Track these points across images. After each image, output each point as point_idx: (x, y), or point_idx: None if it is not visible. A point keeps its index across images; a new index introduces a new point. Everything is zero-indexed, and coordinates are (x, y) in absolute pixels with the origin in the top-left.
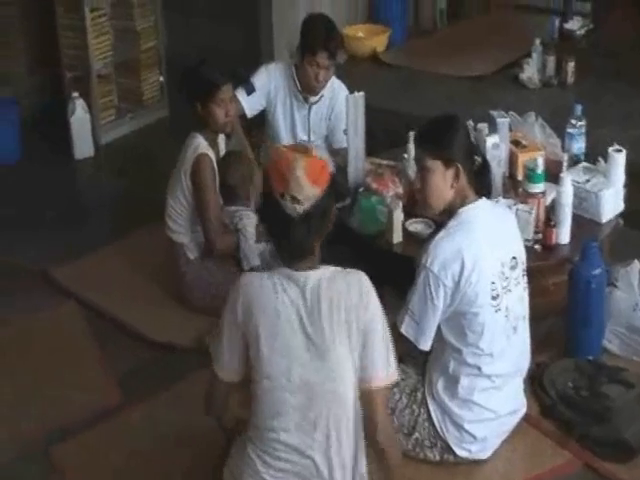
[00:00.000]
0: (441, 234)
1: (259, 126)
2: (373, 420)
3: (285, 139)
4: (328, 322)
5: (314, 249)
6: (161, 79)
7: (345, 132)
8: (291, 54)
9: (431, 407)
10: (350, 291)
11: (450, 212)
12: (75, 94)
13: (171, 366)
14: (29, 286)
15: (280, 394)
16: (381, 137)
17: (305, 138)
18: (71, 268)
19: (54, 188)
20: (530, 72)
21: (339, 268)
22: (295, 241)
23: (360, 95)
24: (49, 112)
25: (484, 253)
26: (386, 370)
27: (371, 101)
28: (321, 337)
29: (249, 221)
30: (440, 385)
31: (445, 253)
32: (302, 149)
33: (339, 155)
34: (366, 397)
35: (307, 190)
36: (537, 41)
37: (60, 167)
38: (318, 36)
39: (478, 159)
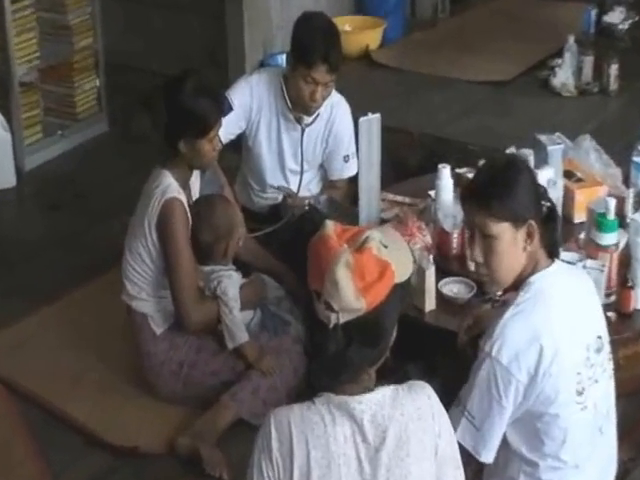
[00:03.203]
0: (510, 312)
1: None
2: None
3: (269, 170)
4: (395, 462)
5: (362, 372)
6: (98, 84)
7: (346, 159)
8: (266, 52)
9: None
10: (421, 417)
11: (517, 281)
12: None
13: (136, 477)
14: None
15: None
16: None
17: (295, 168)
18: None
19: None
20: (563, 76)
21: (397, 385)
22: (330, 357)
23: (375, 118)
24: None
25: (566, 335)
26: None
27: (361, 112)
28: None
29: (230, 283)
30: None
31: (518, 338)
32: (357, 234)
33: (337, 190)
34: None
35: (347, 300)
36: (570, 38)
37: None
38: (316, 45)
39: (546, 205)
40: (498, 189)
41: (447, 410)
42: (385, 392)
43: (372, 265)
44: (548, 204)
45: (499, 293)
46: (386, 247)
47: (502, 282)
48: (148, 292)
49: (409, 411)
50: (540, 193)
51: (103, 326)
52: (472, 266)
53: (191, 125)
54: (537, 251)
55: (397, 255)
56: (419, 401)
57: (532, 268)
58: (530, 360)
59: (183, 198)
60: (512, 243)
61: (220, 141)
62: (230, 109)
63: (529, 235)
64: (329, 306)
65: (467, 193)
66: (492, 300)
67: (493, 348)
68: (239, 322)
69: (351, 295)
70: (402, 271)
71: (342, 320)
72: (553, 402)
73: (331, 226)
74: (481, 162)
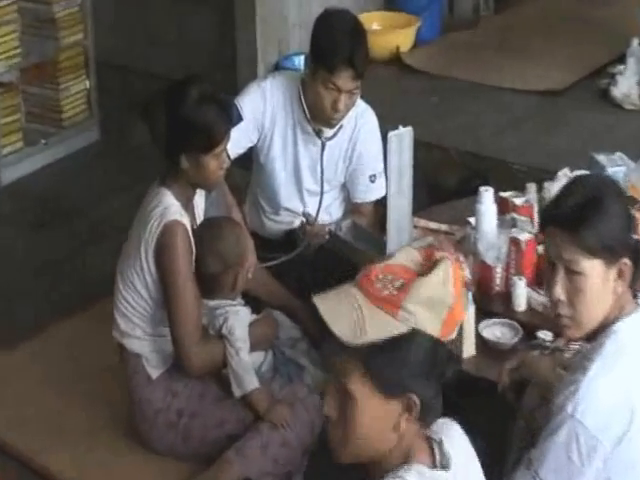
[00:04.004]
0: (595, 368)
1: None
2: None
3: (284, 190)
4: None
5: None
6: (88, 86)
7: (372, 179)
8: (281, 53)
9: None
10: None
11: (598, 329)
12: None
13: None
14: None
15: None
16: None
17: (314, 188)
18: None
19: None
20: (625, 85)
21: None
22: None
23: (407, 132)
24: None
25: None
26: None
27: (390, 125)
28: None
29: (238, 320)
30: None
31: (606, 399)
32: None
33: (362, 214)
34: None
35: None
36: (634, 41)
37: None
38: (339, 46)
39: (635, 239)
40: (592, 217)
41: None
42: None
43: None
44: (637, 237)
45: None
46: None
47: (585, 327)
48: (143, 329)
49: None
50: (631, 224)
51: (90, 367)
52: (548, 304)
53: (195, 138)
54: (625, 293)
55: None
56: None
57: (617, 313)
58: (620, 424)
59: (185, 221)
60: (602, 283)
61: (228, 156)
62: (240, 119)
63: (620, 274)
64: None
65: (552, 218)
66: (541, 346)
67: (577, 410)
68: (248, 366)
69: None
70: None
71: None
72: (631, 470)
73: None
74: (530, 185)
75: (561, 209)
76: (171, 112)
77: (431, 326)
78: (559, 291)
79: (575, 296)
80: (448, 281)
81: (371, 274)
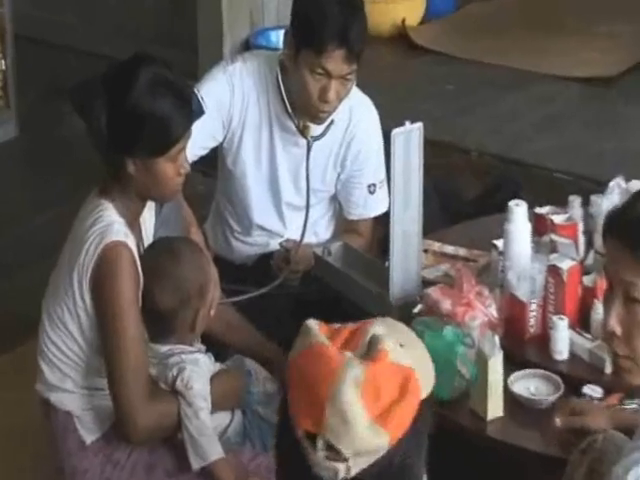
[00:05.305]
0: None
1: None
2: None
3: (257, 204)
4: None
5: None
6: (4, 67)
7: (371, 190)
8: (253, 27)
9: None
10: None
11: None
12: None
13: None
14: None
15: None
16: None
17: (297, 201)
18: None
19: None
20: None
21: None
22: None
23: (415, 129)
24: None
25: None
26: None
27: (394, 121)
28: None
29: (197, 372)
30: None
31: None
32: (356, 334)
33: (357, 235)
34: None
35: (362, 437)
36: None
37: None
38: (329, 19)
39: None
40: None
41: None
42: None
43: (389, 377)
44: None
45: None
46: (402, 346)
47: None
48: (75, 381)
49: None
50: None
51: (5, 429)
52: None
53: (145, 137)
54: None
55: (417, 357)
56: None
57: None
58: None
59: (131, 243)
60: None
61: (186, 160)
62: (201, 112)
63: None
64: (334, 453)
65: (614, 226)
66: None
67: None
68: (209, 430)
69: (366, 428)
70: (426, 381)
71: (354, 471)
72: None
73: (315, 327)
74: (574, 198)
75: (626, 218)
76: (114, 102)
77: None
78: (614, 323)
79: (635, 330)
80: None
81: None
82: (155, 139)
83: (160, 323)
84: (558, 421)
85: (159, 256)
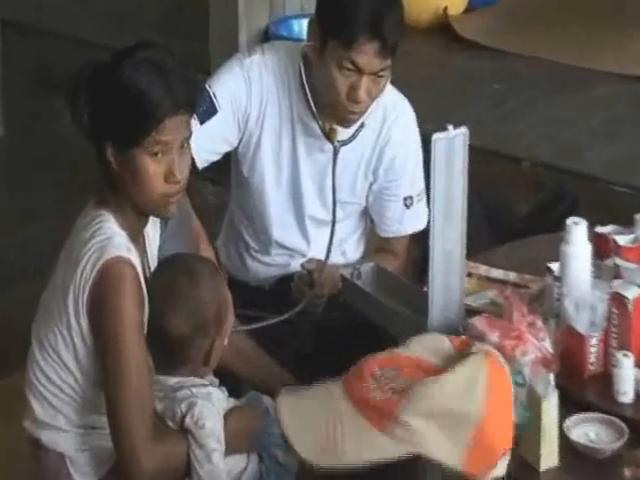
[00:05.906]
0: None
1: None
2: None
3: (277, 217)
4: None
5: None
6: None
7: (407, 203)
8: (272, 16)
9: None
10: None
11: None
12: None
13: None
14: None
15: None
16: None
17: (322, 215)
18: None
19: None
20: None
21: None
22: None
23: (459, 134)
24: None
25: None
26: None
27: (434, 124)
28: None
29: (209, 409)
30: None
31: None
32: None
33: (391, 254)
34: None
35: None
36: None
37: None
38: (360, 8)
39: None
40: None
41: None
42: None
43: None
44: None
45: None
46: None
47: None
48: (69, 417)
49: None
50: None
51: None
52: None
53: (118, 115)
54: None
55: None
56: None
57: None
58: None
59: (134, 258)
60: None
61: (194, 165)
62: (213, 111)
63: None
64: None
65: None
66: None
67: None
68: (222, 474)
69: None
70: None
71: None
72: None
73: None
74: None
75: None
76: (97, 80)
77: (446, 453)
78: None
79: None
80: (476, 386)
81: (365, 366)
82: (128, 117)
83: (170, 352)
84: (627, 473)
85: (174, 275)
